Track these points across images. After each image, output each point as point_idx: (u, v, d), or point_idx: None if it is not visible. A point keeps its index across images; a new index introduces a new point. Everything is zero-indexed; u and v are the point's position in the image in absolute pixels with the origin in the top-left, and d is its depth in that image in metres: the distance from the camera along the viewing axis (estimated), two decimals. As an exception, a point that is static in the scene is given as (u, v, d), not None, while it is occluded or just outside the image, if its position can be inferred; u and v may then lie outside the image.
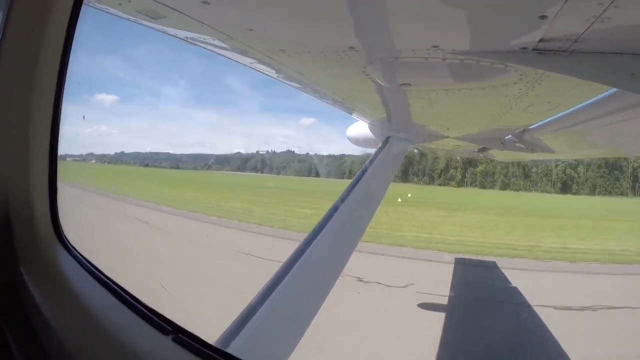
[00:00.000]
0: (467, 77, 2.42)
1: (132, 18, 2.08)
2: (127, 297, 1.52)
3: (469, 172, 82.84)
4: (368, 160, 5.10)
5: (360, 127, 6.71)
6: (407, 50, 2.12)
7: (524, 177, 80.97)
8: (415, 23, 1.84)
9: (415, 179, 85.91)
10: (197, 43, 2.46)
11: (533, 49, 1.93)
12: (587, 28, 1.68)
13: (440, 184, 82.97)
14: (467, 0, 1.60)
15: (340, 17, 1.86)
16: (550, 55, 1.95)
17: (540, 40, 1.83)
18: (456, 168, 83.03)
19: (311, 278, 3.47)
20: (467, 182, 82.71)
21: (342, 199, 4.19)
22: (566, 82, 2.55)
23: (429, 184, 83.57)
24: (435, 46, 2.01)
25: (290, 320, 3.13)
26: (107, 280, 1.61)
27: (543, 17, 1.59)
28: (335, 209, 4.03)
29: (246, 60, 2.71)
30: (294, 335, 3.06)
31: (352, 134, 7.14)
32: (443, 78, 2.46)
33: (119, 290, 1.56)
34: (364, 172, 4.76)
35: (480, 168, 79.93)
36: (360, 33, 2.00)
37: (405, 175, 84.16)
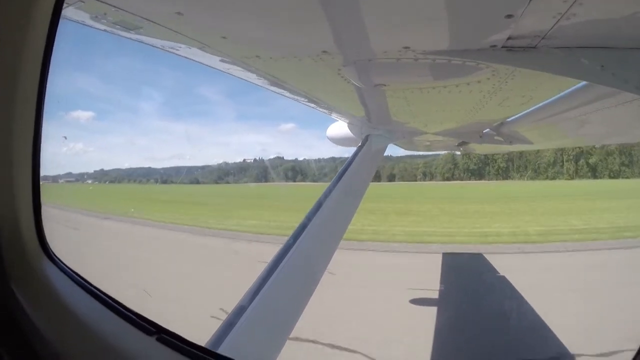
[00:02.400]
0: (440, 75, 2.43)
1: (108, 29, 2.07)
2: (112, 302, 1.59)
3: (580, 163, 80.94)
4: (348, 159, 5.09)
5: (340, 127, 6.71)
6: (380, 52, 2.12)
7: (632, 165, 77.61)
8: (386, 25, 1.83)
9: (517, 175, 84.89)
10: (173, 51, 2.45)
11: (503, 47, 1.94)
12: (554, 25, 1.69)
13: (548, 178, 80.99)
14: (435, 2, 1.60)
15: (312, 22, 1.86)
16: (519, 51, 1.97)
17: (509, 38, 1.85)
18: (569, 161, 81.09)
19: (295, 278, 3.48)
20: (578, 173, 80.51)
21: (324, 198, 4.18)
22: (538, 76, 2.58)
23: (533, 179, 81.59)
24: (406, 47, 2.01)
25: (277, 320, 3.16)
26: (93, 289, 1.67)
27: (509, 16, 1.60)
28: (317, 208, 4.02)
29: (222, 66, 2.70)
30: (281, 334, 3.10)
31: (332, 134, 7.14)
32: (416, 77, 2.47)
33: (105, 297, 1.63)
34: (344, 170, 4.75)
35: (594, 159, 78.34)
36: (332, 37, 2.00)
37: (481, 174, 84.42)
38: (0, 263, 1.43)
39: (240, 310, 2.84)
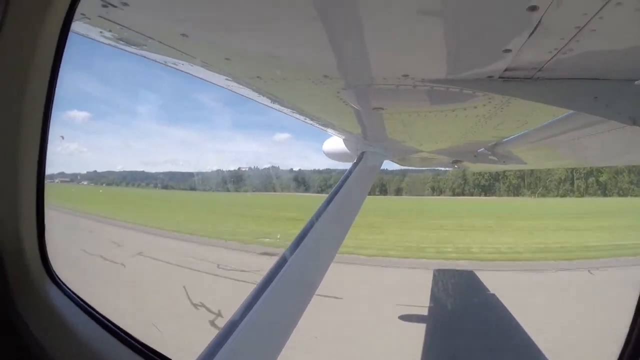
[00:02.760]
0: (437, 101, 2.47)
1: (112, 44, 2.08)
2: (117, 330, 1.57)
3: (590, 181, 79.89)
4: (343, 175, 5.10)
5: (336, 142, 6.73)
6: (379, 78, 2.15)
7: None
8: (386, 54, 1.86)
9: (528, 192, 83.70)
10: (175, 67, 2.46)
11: (499, 77, 1.97)
12: (551, 58, 1.73)
13: (559, 195, 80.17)
14: (434, 34, 1.62)
15: (314, 48, 1.89)
16: (516, 82, 2.00)
17: (506, 70, 1.88)
18: (579, 178, 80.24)
19: (289, 293, 3.44)
20: (588, 191, 79.28)
21: (319, 215, 4.17)
22: (533, 103, 2.62)
23: (544, 196, 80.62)
24: (405, 75, 2.03)
25: (269, 335, 3.11)
26: (98, 315, 1.64)
27: (507, 50, 1.63)
28: (311, 224, 4.00)
29: (224, 83, 2.72)
30: (274, 349, 3.05)
31: (328, 149, 7.16)
32: (414, 103, 2.50)
33: (109, 324, 1.60)
34: (340, 187, 4.76)
35: (604, 177, 77.34)
36: (333, 63, 2.03)
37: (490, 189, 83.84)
38: (3, 283, 1.41)
39: (232, 326, 2.80)
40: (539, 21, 1.37)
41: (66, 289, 1.68)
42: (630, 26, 1.47)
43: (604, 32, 1.48)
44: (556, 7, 1.27)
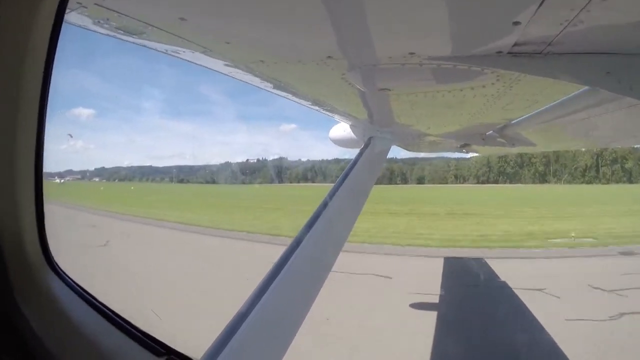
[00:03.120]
0: (444, 80, 2.43)
1: (111, 34, 2.06)
2: (118, 320, 1.57)
3: (615, 168, 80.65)
4: (351, 161, 5.07)
5: (343, 129, 6.70)
6: (384, 57, 2.11)
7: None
8: (392, 31, 1.82)
9: (554, 179, 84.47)
10: (176, 55, 2.44)
11: (508, 52, 1.93)
12: (561, 31, 1.68)
13: (585, 182, 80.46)
14: (441, 9, 1.59)
15: (317, 28, 1.85)
16: (525, 57, 1.95)
17: (515, 44, 1.83)
18: (605, 165, 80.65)
19: (299, 281, 3.44)
20: (613, 178, 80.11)
21: (327, 201, 4.16)
22: (543, 80, 2.56)
23: (569, 182, 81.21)
24: (412, 53, 2.00)
25: (278, 328, 3.10)
26: (98, 304, 1.65)
27: (516, 23, 1.59)
28: (320, 211, 3.99)
29: (226, 70, 2.69)
30: (282, 343, 3.02)
31: (334, 136, 7.13)
32: (421, 82, 2.46)
33: (111, 313, 1.60)
34: (347, 173, 4.73)
35: (629, 164, 78.08)
36: (337, 43, 1.99)
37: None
38: (4, 275, 1.42)
39: (241, 318, 2.79)
40: None
41: (67, 278, 1.70)
42: None
43: (616, 2, 1.43)
44: None
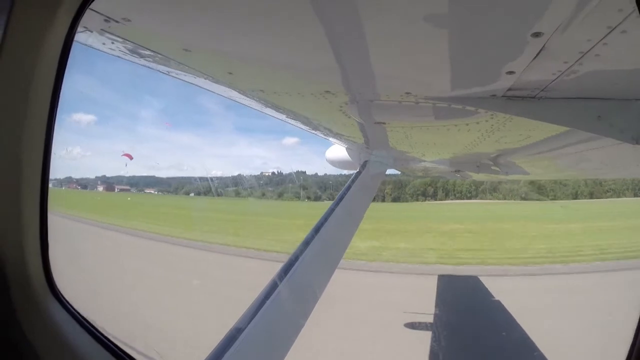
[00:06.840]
0: (439, 117, 2.46)
1: (116, 54, 2.10)
2: (118, 350, 1.56)
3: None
4: (347, 184, 5.08)
5: (339, 150, 6.72)
6: (382, 95, 2.15)
7: None
8: (389, 73, 1.87)
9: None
10: (179, 78, 2.48)
11: (502, 96, 1.97)
12: (554, 80, 1.73)
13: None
14: (438, 54, 1.62)
15: (316, 65, 1.90)
16: (519, 100, 2.00)
17: (509, 89, 1.88)
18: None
19: (293, 299, 3.42)
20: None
21: (323, 222, 4.15)
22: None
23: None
24: (408, 92, 2.03)
25: (274, 340, 3.13)
26: (101, 336, 1.63)
27: (510, 72, 1.63)
28: (316, 231, 3.99)
29: (227, 94, 2.73)
30: (279, 354, 3.06)
31: (331, 157, 7.15)
32: (416, 118, 2.49)
33: (110, 343, 1.60)
34: (343, 195, 4.74)
35: None
36: (335, 79, 2.02)
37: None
38: (7, 302, 1.39)
39: (237, 331, 2.79)
40: (543, 46, 1.37)
41: (70, 307, 1.66)
42: (635, 49, 1.47)
43: (608, 56, 1.48)
44: (560, 33, 1.27)
